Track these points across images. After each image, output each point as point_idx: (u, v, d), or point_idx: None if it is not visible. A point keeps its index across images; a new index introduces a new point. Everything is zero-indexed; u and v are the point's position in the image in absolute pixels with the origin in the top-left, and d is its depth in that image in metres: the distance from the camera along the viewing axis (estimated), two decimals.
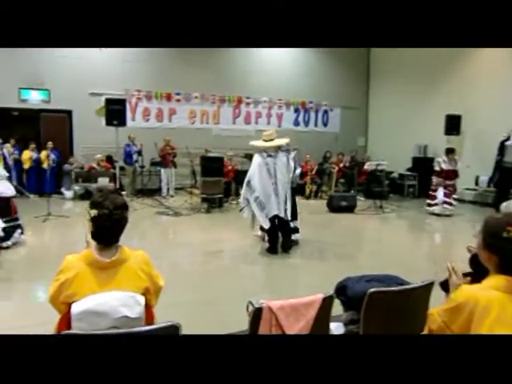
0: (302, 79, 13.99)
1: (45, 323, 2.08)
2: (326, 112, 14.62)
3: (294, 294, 2.32)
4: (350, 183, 12.10)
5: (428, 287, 2.47)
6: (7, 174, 5.94)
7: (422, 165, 12.01)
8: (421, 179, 11.85)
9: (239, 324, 2.36)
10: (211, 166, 9.57)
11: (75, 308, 1.78)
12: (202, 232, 7.67)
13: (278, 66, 13.64)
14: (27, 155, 10.86)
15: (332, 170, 12.10)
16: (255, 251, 6.14)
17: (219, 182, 9.48)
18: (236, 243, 6.58)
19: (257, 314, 2.01)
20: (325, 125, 14.69)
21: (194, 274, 5.27)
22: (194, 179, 11.26)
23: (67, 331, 1.71)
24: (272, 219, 5.89)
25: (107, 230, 1.85)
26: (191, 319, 1.95)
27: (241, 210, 6.08)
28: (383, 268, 3.14)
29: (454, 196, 9.39)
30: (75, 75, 11.37)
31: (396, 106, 13.59)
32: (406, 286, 2.51)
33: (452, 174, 9.24)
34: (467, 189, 10.90)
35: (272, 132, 6.11)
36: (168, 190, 11.52)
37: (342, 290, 2.74)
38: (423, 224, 8.98)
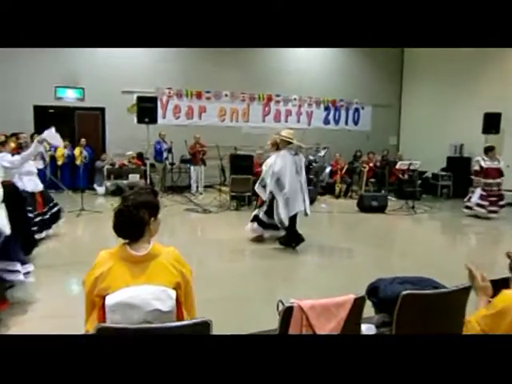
0: (333, 77, 13.82)
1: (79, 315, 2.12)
2: (356, 110, 14.39)
3: (324, 294, 2.28)
4: (380, 183, 11.89)
5: (465, 291, 2.37)
6: (36, 171, 6.12)
7: (458, 165, 11.67)
8: (456, 180, 11.50)
9: (268, 322, 2.34)
10: (240, 163, 9.61)
11: (109, 300, 1.82)
12: (231, 229, 7.68)
13: (309, 64, 13.52)
14: (61, 152, 11.19)
15: (362, 169, 11.91)
16: (284, 250, 6.11)
17: (248, 179, 9.48)
18: (264, 241, 6.55)
19: (287, 314, 1.98)
20: (355, 123, 14.46)
21: (222, 271, 5.28)
22: (223, 177, 11.31)
23: (101, 324, 1.75)
24: (293, 215, 5.96)
25: (120, 224, 1.90)
26: (219, 316, 1.93)
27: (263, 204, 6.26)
28: (415, 270, 3.05)
29: (501, 202, 8.89)
30: (108, 74, 11.61)
31: (430, 104, 13.22)
32: (442, 290, 2.42)
33: (495, 173, 8.79)
34: (508, 190, 10.44)
35: (294, 132, 6.29)
36: (197, 187, 11.62)
37: (373, 291, 2.67)
38: (458, 226, 8.70)
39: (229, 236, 7.01)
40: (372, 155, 12.36)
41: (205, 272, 4.92)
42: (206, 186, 11.82)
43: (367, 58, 13.79)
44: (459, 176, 11.02)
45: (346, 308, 2.13)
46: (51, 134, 5.90)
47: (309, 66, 13.52)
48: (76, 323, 2.14)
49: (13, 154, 5.51)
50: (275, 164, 6.00)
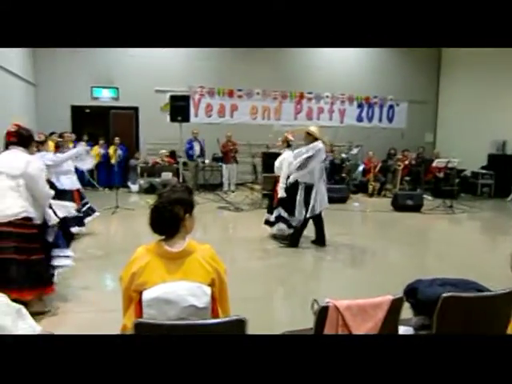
0: (366, 73, 13.54)
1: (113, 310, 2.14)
2: (391, 107, 14.05)
3: (358, 294, 2.21)
4: (415, 181, 11.57)
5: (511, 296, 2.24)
6: (73, 170, 6.29)
7: (500, 163, 11.17)
8: (498, 178, 11.03)
9: (300, 321, 2.29)
10: (272, 161, 9.52)
11: (146, 295, 1.84)
12: (263, 228, 7.65)
13: (341, 61, 13.30)
14: (96, 151, 11.47)
15: (397, 168, 11.62)
16: (316, 248, 6.03)
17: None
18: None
19: (322, 313, 1.93)
20: (390, 120, 14.13)
21: (254, 269, 5.25)
22: (255, 175, 11.30)
23: (139, 319, 1.76)
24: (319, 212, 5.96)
25: (155, 221, 1.93)
26: (252, 314, 1.90)
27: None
28: (455, 272, 2.92)
29: None
30: (142, 73, 11.83)
31: (470, 98, 12.70)
32: (486, 293, 2.30)
33: None
34: None
35: (320, 130, 6.24)
36: (229, 185, 11.66)
37: (411, 292, 2.57)
38: (503, 226, 8.32)
39: (260, 234, 6.96)
40: (407, 153, 12.04)
41: (236, 270, 4.91)
42: (237, 184, 11.85)
43: (402, 54, 13.42)
44: (502, 174, 10.55)
45: (383, 309, 2.05)
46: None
47: (341, 63, 13.30)
48: (110, 317, 2.16)
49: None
50: (319, 152, 5.88)
